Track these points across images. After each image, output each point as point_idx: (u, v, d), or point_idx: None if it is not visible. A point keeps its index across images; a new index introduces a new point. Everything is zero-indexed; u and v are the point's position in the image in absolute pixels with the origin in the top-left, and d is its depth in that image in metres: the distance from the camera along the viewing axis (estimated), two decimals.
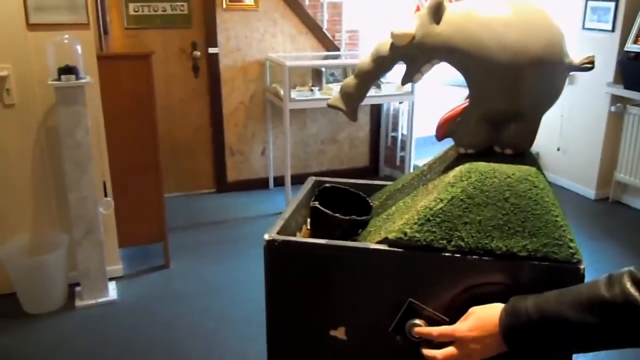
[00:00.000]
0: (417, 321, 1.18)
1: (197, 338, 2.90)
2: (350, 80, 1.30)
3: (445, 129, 1.25)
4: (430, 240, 1.13)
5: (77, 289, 3.24)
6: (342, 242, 1.22)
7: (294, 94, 4.23)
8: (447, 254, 1.13)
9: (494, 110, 1.17)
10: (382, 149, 5.09)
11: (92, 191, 3.06)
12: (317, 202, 1.33)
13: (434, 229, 1.13)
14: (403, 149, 4.84)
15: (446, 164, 1.30)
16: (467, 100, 1.24)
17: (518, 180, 1.13)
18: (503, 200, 1.12)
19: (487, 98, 1.16)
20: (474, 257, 1.12)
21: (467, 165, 1.18)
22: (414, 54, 1.21)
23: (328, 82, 4.60)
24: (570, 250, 1.10)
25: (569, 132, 4.67)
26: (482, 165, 1.17)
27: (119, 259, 3.48)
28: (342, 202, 1.42)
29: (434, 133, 1.29)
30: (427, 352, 1.13)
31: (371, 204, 1.43)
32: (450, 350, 1.10)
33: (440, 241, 1.13)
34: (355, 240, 1.32)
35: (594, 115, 4.42)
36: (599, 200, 4.52)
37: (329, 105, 1.34)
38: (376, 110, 5.00)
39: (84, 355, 2.76)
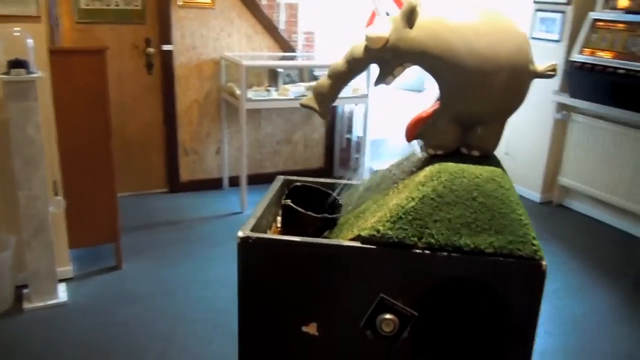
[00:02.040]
0: (388, 316, 1.22)
1: (153, 339, 2.85)
2: (324, 80, 1.32)
3: (415, 131, 1.30)
4: (402, 237, 1.17)
5: (25, 291, 3.13)
6: (315, 239, 1.24)
7: (250, 94, 4.22)
8: (417, 251, 1.17)
9: (463, 113, 1.22)
10: (337, 151, 5.14)
11: (43, 190, 2.97)
12: (289, 200, 1.35)
13: (405, 227, 1.17)
14: (357, 150, 4.91)
15: (415, 164, 1.34)
16: (436, 103, 1.29)
17: (485, 181, 1.18)
18: (471, 200, 1.17)
19: (457, 101, 1.21)
20: (443, 253, 1.17)
21: (436, 166, 1.23)
22: (387, 57, 1.24)
23: (284, 82, 4.61)
24: (534, 247, 1.15)
25: (516, 137, 4.84)
26: (451, 166, 1.22)
27: (68, 260, 3.39)
28: (311, 200, 1.44)
29: (404, 135, 1.33)
30: None
31: (340, 202, 1.45)
32: None
33: (412, 238, 1.17)
34: (326, 237, 1.35)
35: (540, 121, 4.60)
36: (544, 203, 4.72)
37: (303, 105, 1.36)
38: (331, 112, 5.04)
39: (34, 359, 2.67)
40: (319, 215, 1.34)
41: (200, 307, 3.16)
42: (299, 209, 1.32)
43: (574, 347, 2.85)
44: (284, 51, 4.75)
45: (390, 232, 1.17)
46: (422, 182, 1.20)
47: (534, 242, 1.16)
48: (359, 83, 4.53)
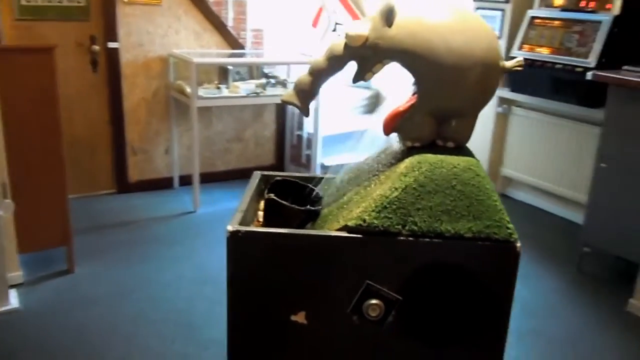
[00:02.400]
0: (374, 301, 1.28)
1: (113, 342, 2.81)
2: (305, 77, 1.36)
3: (392, 125, 1.36)
4: (387, 226, 1.23)
5: None
6: (303, 230, 1.29)
7: (201, 92, 4.19)
8: (401, 238, 1.24)
9: (439, 107, 1.30)
10: (288, 148, 5.17)
11: None
12: (272, 194, 1.38)
13: (390, 215, 1.23)
14: (309, 147, 4.96)
15: (393, 156, 1.40)
16: (412, 98, 1.35)
17: (463, 170, 1.26)
18: (450, 188, 1.25)
19: (434, 96, 1.28)
20: (425, 239, 1.24)
21: (416, 157, 1.29)
22: (367, 55, 1.30)
23: (234, 80, 4.60)
24: (509, 231, 1.24)
25: None
26: (430, 157, 1.29)
27: (18, 265, 3.28)
28: (291, 194, 1.48)
29: (382, 128, 1.39)
30: None
31: (320, 195, 1.50)
32: None
33: (396, 226, 1.23)
34: (310, 229, 1.39)
35: (482, 115, 4.77)
36: None
37: (284, 101, 1.40)
38: (281, 109, 5.07)
39: None
40: (303, 208, 1.38)
41: (161, 308, 3.13)
42: (284, 202, 1.36)
43: (525, 331, 3.01)
44: (233, 48, 4.74)
45: (375, 221, 1.23)
46: (404, 173, 1.26)
47: (509, 225, 1.24)
48: None
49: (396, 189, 1.24)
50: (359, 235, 1.24)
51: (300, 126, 5.06)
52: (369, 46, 1.28)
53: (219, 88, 4.34)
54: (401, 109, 1.34)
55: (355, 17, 5.44)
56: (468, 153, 1.35)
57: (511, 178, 4.79)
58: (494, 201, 1.25)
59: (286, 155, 5.20)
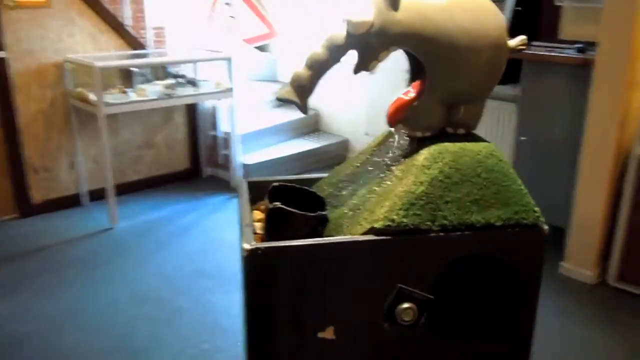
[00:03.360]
0: (407, 305, 1.20)
1: None
2: (303, 72, 1.25)
3: (399, 116, 1.28)
4: (417, 223, 1.16)
5: None
6: (328, 239, 1.18)
7: (107, 98, 3.87)
8: (432, 235, 1.17)
9: (451, 92, 1.23)
10: (203, 149, 4.94)
11: None
12: (279, 203, 1.26)
13: (419, 212, 1.16)
14: (226, 147, 4.77)
15: (402, 148, 1.32)
16: (414, 86, 1.28)
17: (486, 156, 1.21)
18: (476, 176, 1.19)
19: (447, 81, 1.22)
20: (457, 233, 1.18)
21: (435, 147, 1.23)
22: (372, 42, 1.21)
23: (138, 82, 4.30)
24: (536, 214, 1.21)
25: (374, 117, 5.07)
26: (449, 146, 1.22)
27: None
28: (288, 200, 1.36)
29: (387, 118, 1.30)
30: None
31: (324, 199, 1.39)
32: None
33: (426, 223, 1.16)
34: (325, 236, 1.29)
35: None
36: None
37: (281, 99, 1.27)
38: (192, 109, 4.83)
39: None
40: (313, 214, 1.27)
41: (98, 337, 2.85)
42: (294, 210, 1.24)
43: None
44: (134, 49, 4.43)
45: (405, 220, 1.15)
46: (426, 165, 1.19)
47: (536, 209, 1.21)
48: (222, 77, 4.40)
49: (421, 182, 1.17)
50: (387, 237, 1.15)
51: (214, 126, 4.85)
52: (374, 32, 1.18)
53: (125, 93, 4.03)
54: (408, 97, 1.26)
55: (251, 6, 5.30)
56: (480, 138, 1.30)
57: None
58: (519, 185, 1.22)
59: (202, 157, 4.97)
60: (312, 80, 1.24)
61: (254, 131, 4.91)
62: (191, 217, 4.30)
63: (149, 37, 4.54)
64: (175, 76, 4.39)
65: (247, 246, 1.12)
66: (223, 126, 4.78)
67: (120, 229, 4.04)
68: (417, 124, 1.29)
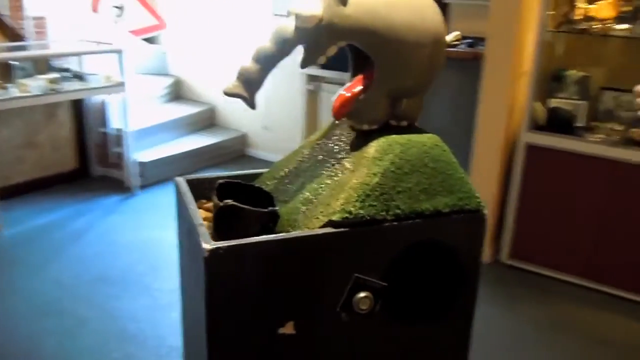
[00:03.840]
0: (363, 294, 1.23)
1: None
2: (251, 65, 1.22)
3: (346, 109, 1.29)
4: (373, 214, 1.19)
5: None
6: (290, 234, 1.18)
7: None
8: (386, 224, 1.20)
9: (397, 87, 1.27)
10: (92, 148, 4.65)
11: None
12: (230, 200, 1.23)
13: (374, 203, 1.19)
14: (117, 144, 4.53)
15: (348, 141, 1.34)
16: (358, 80, 1.30)
17: (431, 147, 1.27)
18: (424, 166, 1.24)
19: (394, 76, 1.25)
20: (408, 221, 1.22)
21: (384, 140, 1.26)
22: (319, 36, 1.21)
23: (18, 77, 3.96)
24: (477, 200, 1.29)
25: (271, 111, 5.06)
26: (397, 138, 1.26)
27: None
28: (234, 197, 1.33)
29: (333, 111, 1.31)
30: None
31: (271, 195, 1.37)
32: None
33: (381, 213, 1.20)
34: (277, 232, 1.27)
35: (293, 93, 4.88)
36: None
37: (227, 94, 1.23)
38: (78, 105, 4.53)
39: None
40: (267, 210, 1.25)
41: None
42: (247, 207, 1.22)
43: None
44: (11, 41, 4.07)
45: (361, 211, 1.17)
46: (377, 157, 1.22)
47: (477, 195, 1.29)
48: (110, 70, 4.18)
49: (375, 174, 1.20)
50: (345, 229, 1.17)
51: (103, 122, 4.59)
52: (323, 27, 1.19)
53: (5, 88, 3.70)
54: (354, 91, 1.28)
55: None
56: (423, 130, 1.35)
57: None
58: (461, 173, 1.28)
59: (91, 156, 4.68)
60: (260, 74, 1.22)
61: (146, 127, 4.71)
62: (84, 220, 4.05)
63: (29, 27, 4.18)
64: (60, 70, 4.09)
65: (207, 246, 1.08)
66: (114, 122, 4.53)
67: (6, 236, 3.71)
68: (363, 118, 1.31)
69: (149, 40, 5.58)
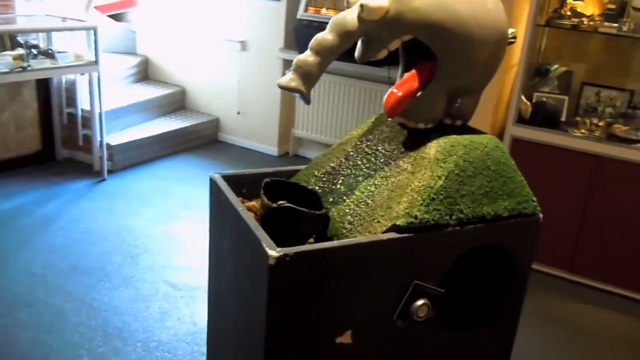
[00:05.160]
0: (422, 301, 1.18)
1: None
2: (311, 58, 1.14)
3: (403, 106, 1.22)
4: (438, 219, 1.14)
5: None
6: (354, 240, 1.12)
7: None
8: (449, 229, 1.16)
9: (459, 84, 1.22)
10: (57, 129, 4.41)
11: None
12: (284, 202, 1.15)
13: (439, 207, 1.14)
14: (85, 126, 4.31)
15: (401, 140, 1.28)
16: (411, 76, 1.24)
17: (493, 149, 1.22)
18: (486, 169, 1.20)
19: (457, 73, 1.20)
20: (470, 226, 1.18)
21: (445, 140, 1.21)
22: (384, 29, 1.14)
23: None
24: (534, 204, 1.26)
25: (246, 96, 4.93)
26: (460, 139, 1.21)
27: None
28: (280, 196, 1.25)
29: (387, 109, 1.23)
30: None
31: (319, 195, 1.29)
32: None
33: (445, 217, 1.15)
34: (330, 235, 1.21)
35: (269, 78, 4.76)
36: (281, 155, 4.97)
37: (283, 87, 1.15)
38: (44, 84, 4.27)
39: None
40: (321, 212, 1.18)
41: None
42: (304, 209, 1.14)
43: None
44: None
45: (426, 216, 1.12)
46: (440, 159, 1.16)
47: (534, 198, 1.26)
48: (84, 50, 3.96)
49: (439, 177, 1.14)
50: (409, 234, 1.12)
51: (71, 102, 4.36)
52: (389, 19, 1.12)
53: None
54: (411, 88, 1.21)
55: None
56: (477, 130, 1.31)
57: (302, 138, 4.92)
58: (520, 177, 1.25)
59: (56, 137, 4.44)
60: (319, 67, 1.14)
61: (114, 109, 4.50)
62: (52, 206, 3.85)
63: None
64: (29, 46, 3.85)
65: (273, 253, 1.00)
66: (83, 103, 4.31)
67: None
68: (420, 116, 1.25)
69: (117, 18, 5.33)
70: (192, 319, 2.81)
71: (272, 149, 4.95)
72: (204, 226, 3.57)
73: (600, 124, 3.34)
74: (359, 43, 1.20)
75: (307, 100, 1.18)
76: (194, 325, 2.77)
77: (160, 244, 3.47)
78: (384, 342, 1.17)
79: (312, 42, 1.15)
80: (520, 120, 3.40)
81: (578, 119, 3.40)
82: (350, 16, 1.13)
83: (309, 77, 1.14)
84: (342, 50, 1.15)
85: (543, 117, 3.42)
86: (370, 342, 1.16)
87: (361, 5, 1.11)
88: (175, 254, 3.37)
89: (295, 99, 4.76)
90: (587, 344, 2.83)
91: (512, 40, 1.31)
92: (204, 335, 2.71)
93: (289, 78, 1.15)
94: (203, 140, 5.07)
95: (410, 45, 1.22)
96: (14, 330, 2.64)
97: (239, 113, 5.00)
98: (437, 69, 1.19)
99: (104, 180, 4.23)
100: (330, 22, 1.16)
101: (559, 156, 3.30)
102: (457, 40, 1.15)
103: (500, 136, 3.39)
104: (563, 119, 3.48)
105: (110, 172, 4.29)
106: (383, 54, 1.19)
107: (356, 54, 1.21)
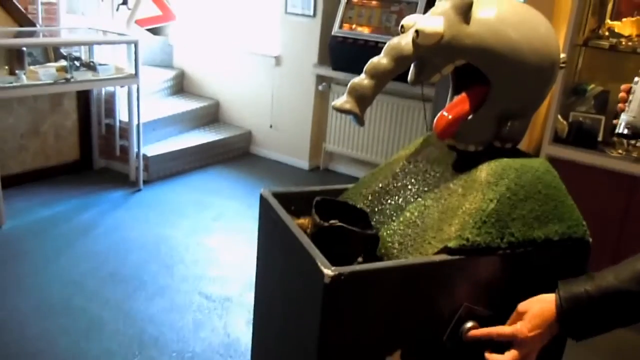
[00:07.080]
0: (471, 324, 1.19)
1: None
2: (366, 81, 1.17)
3: (453, 129, 1.24)
4: (489, 241, 1.15)
5: None
6: (407, 260, 1.13)
7: None
8: (500, 252, 1.16)
9: (512, 108, 1.23)
10: (95, 139, 4.52)
11: None
12: (336, 221, 1.17)
13: (490, 230, 1.15)
14: (122, 137, 4.41)
15: (450, 162, 1.29)
16: (461, 98, 1.26)
17: (544, 173, 1.23)
18: (537, 193, 1.21)
19: (509, 97, 1.21)
20: (521, 249, 1.18)
21: (496, 163, 1.22)
22: (438, 54, 1.16)
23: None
24: (584, 228, 1.26)
25: (279, 110, 4.99)
26: (511, 162, 1.22)
27: None
28: (328, 215, 1.27)
29: (438, 131, 1.25)
30: (490, 356, 1.13)
31: (367, 215, 1.31)
32: (513, 354, 1.10)
33: (496, 240, 1.16)
34: (379, 255, 1.23)
35: (302, 93, 4.82)
36: (312, 170, 5.01)
37: (339, 110, 1.18)
38: (84, 95, 4.39)
39: None
40: (372, 232, 1.20)
41: (6, 357, 2.52)
42: (356, 229, 1.16)
43: None
44: (21, 25, 3.92)
45: (478, 239, 1.13)
46: (492, 182, 1.18)
47: (584, 222, 1.26)
48: (124, 62, 4.06)
49: (491, 200, 1.16)
50: (460, 257, 1.13)
51: (110, 114, 4.47)
52: (443, 45, 1.14)
53: (15, 74, 3.56)
54: (463, 111, 1.23)
55: None
56: (527, 154, 1.32)
57: (333, 153, 4.95)
58: (571, 201, 1.25)
59: (94, 147, 4.55)
60: (373, 90, 1.17)
61: (150, 121, 4.60)
62: (90, 214, 3.94)
63: (39, 12, 4.04)
64: (71, 58, 3.96)
65: (328, 272, 1.02)
66: (121, 114, 4.41)
67: (8, 229, 3.58)
68: (470, 138, 1.26)
69: (154, 32, 5.45)
70: (225, 330, 2.85)
71: (303, 163, 4.99)
72: (236, 239, 3.64)
73: (638, 144, 3.31)
74: (412, 66, 1.22)
75: (361, 122, 1.20)
76: (227, 336, 2.80)
77: (194, 255, 3.52)
78: None
79: (367, 65, 1.18)
80: (557, 139, 3.38)
81: (615, 139, 3.36)
82: (405, 41, 1.16)
83: (363, 99, 1.17)
84: (396, 74, 1.18)
85: (579, 136, 3.40)
86: None
87: (416, 31, 1.13)
88: (209, 266, 3.42)
89: (327, 114, 4.81)
90: None
91: (563, 65, 1.32)
92: (238, 347, 2.74)
93: (344, 100, 1.17)
94: (235, 152, 5.14)
95: (461, 68, 1.24)
96: (54, 335, 2.71)
97: (271, 127, 5.05)
98: (489, 93, 1.21)
99: (139, 190, 4.31)
100: (385, 46, 1.19)
101: (595, 176, 3.27)
102: (511, 65, 1.16)
103: (536, 155, 3.38)
104: (599, 138, 3.45)
105: (145, 182, 4.38)
106: (436, 77, 1.21)
107: (409, 77, 1.23)
